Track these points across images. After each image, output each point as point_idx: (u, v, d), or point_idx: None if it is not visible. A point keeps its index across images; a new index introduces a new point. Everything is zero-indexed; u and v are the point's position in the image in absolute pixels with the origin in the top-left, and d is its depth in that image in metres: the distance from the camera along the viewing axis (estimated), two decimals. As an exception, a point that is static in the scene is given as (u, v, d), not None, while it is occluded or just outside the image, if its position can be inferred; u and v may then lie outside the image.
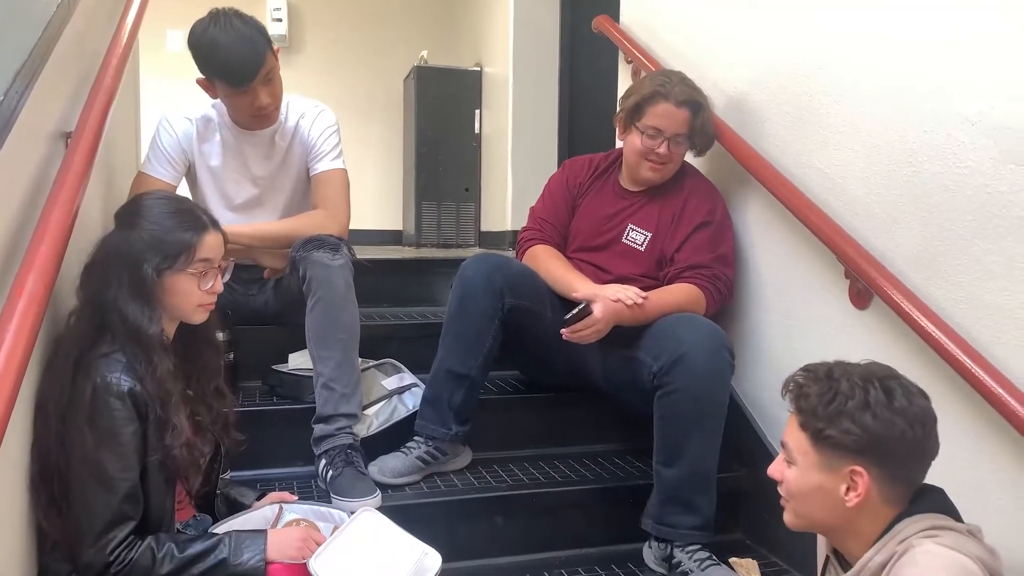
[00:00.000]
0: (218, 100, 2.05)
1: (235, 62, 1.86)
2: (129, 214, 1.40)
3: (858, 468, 1.06)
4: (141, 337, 1.30)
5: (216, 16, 1.89)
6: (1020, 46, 1.33)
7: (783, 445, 1.15)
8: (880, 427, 1.04)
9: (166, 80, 4.02)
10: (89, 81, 1.70)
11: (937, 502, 1.09)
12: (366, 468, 1.78)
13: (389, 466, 1.89)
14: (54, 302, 1.33)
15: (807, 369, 1.14)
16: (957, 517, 1.09)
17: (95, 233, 1.80)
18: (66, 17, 1.54)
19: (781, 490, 1.15)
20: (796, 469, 1.12)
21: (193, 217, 1.40)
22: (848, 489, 1.07)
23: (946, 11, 1.48)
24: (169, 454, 1.31)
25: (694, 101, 1.94)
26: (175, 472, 1.35)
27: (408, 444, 1.95)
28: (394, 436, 1.95)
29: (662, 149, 1.95)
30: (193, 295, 1.38)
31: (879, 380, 1.07)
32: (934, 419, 1.08)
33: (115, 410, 1.24)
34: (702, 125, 1.96)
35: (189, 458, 1.35)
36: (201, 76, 1.95)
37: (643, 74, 2.43)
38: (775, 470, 1.16)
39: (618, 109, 2.06)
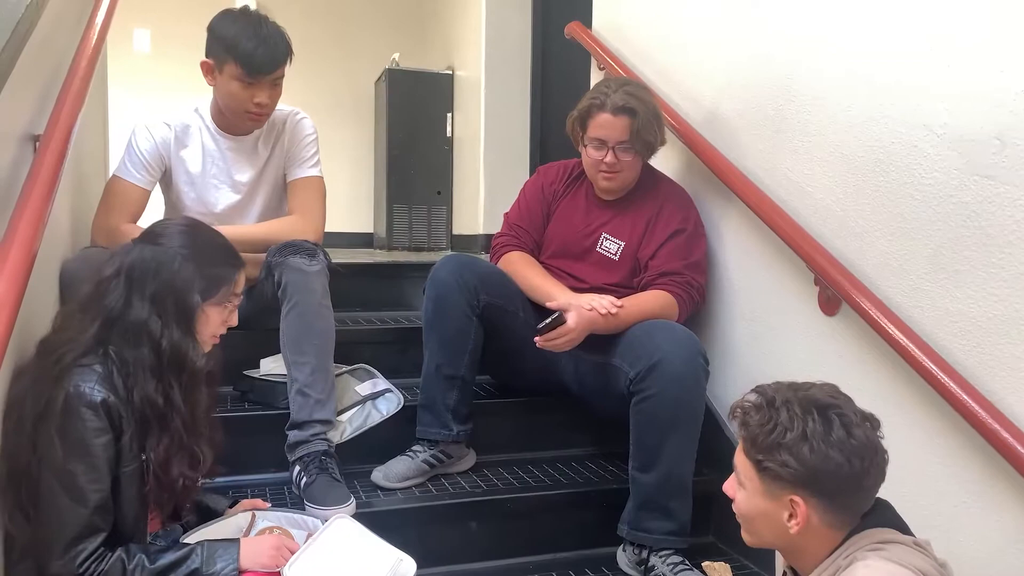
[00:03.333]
0: (200, 106, 2.04)
1: (261, 50, 1.89)
2: (160, 235, 1.37)
3: (796, 498, 1.08)
4: (186, 366, 1.31)
5: (249, 10, 1.97)
6: (983, 59, 1.37)
7: (734, 465, 1.17)
8: (817, 460, 1.05)
9: (132, 81, 3.98)
10: (58, 83, 1.67)
11: (885, 516, 1.11)
12: (340, 475, 1.77)
13: (394, 471, 1.91)
14: (25, 307, 1.30)
15: (757, 391, 1.14)
16: (905, 529, 1.11)
17: (64, 238, 1.78)
18: (35, 19, 1.51)
19: (734, 509, 1.17)
20: (744, 492, 1.14)
21: (233, 253, 1.43)
22: (790, 516, 1.09)
23: (913, 23, 1.52)
24: (182, 477, 1.32)
25: (629, 107, 1.92)
26: (161, 496, 1.34)
27: (413, 447, 1.96)
28: (368, 442, 1.94)
29: (608, 159, 1.96)
30: (215, 326, 1.40)
31: (820, 410, 1.07)
32: (874, 450, 1.07)
33: (87, 420, 1.22)
34: (639, 130, 1.93)
35: (180, 484, 1.35)
36: (207, 59, 1.94)
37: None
38: (729, 488, 1.19)
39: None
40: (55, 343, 1.30)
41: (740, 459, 1.14)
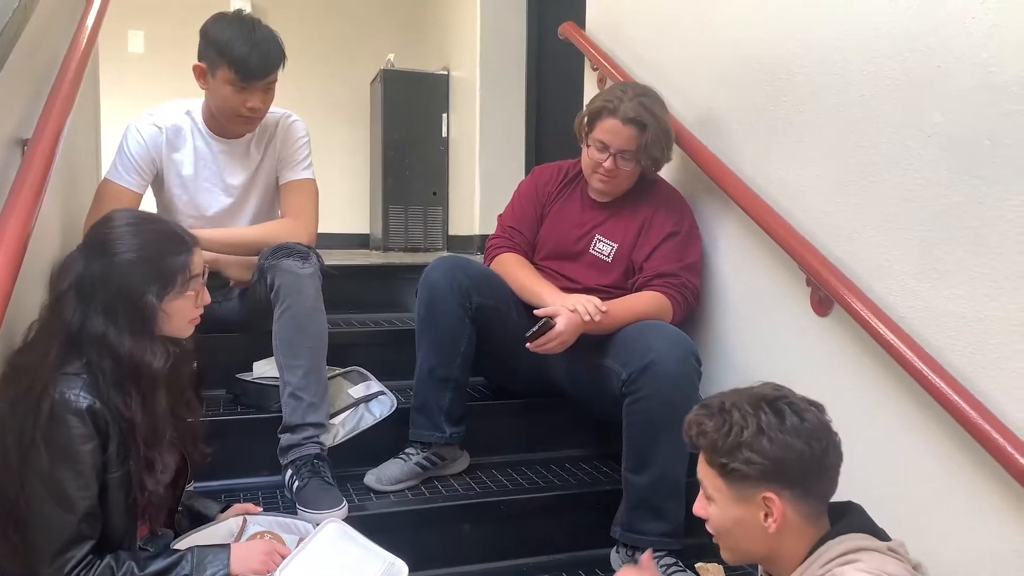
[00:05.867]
0: (192, 108, 2.04)
1: (255, 55, 1.88)
2: (104, 241, 1.32)
3: (769, 494, 1.08)
4: (143, 373, 1.28)
5: (243, 14, 1.96)
6: (973, 59, 1.37)
7: (700, 482, 1.17)
8: (778, 451, 1.07)
9: (127, 82, 3.97)
10: (47, 85, 1.66)
11: (857, 522, 1.11)
12: (333, 478, 1.76)
13: (387, 474, 1.91)
14: (9, 315, 1.30)
15: (703, 406, 1.16)
16: (878, 532, 1.11)
17: (54, 243, 1.77)
18: (24, 20, 1.51)
19: (709, 528, 1.16)
20: (715, 506, 1.14)
21: (179, 238, 1.38)
22: (766, 515, 1.09)
23: (903, 23, 1.51)
24: (144, 491, 1.29)
25: (640, 120, 1.91)
26: (146, 508, 1.33)
27: (406, 450, 1.96)
28: (361, 445, 1.94)
29: (608, 163, 1.96)
30: (187, 313, 1.37)
31: (768, 403, 1.10)
32: (828, 430, 1.10)
33: (72, 427, 1.21)
34: (647, 145, 1.93)
35: (163, 493, 1.34)
36: (199, 63, 1.94)
37: (608, 81, 2.45)
38: (699, 509, 1.18)
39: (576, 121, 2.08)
40: (23, 363, 1.28)
41: (704, 472, 1.15)
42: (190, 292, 1.36)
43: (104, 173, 2.03)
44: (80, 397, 1.22)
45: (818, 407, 1.12)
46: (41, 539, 1.21)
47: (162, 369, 1.31)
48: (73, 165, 2.09)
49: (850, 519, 1.12)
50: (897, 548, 1.08)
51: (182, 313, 1.37)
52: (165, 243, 1.35)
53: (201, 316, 2.06)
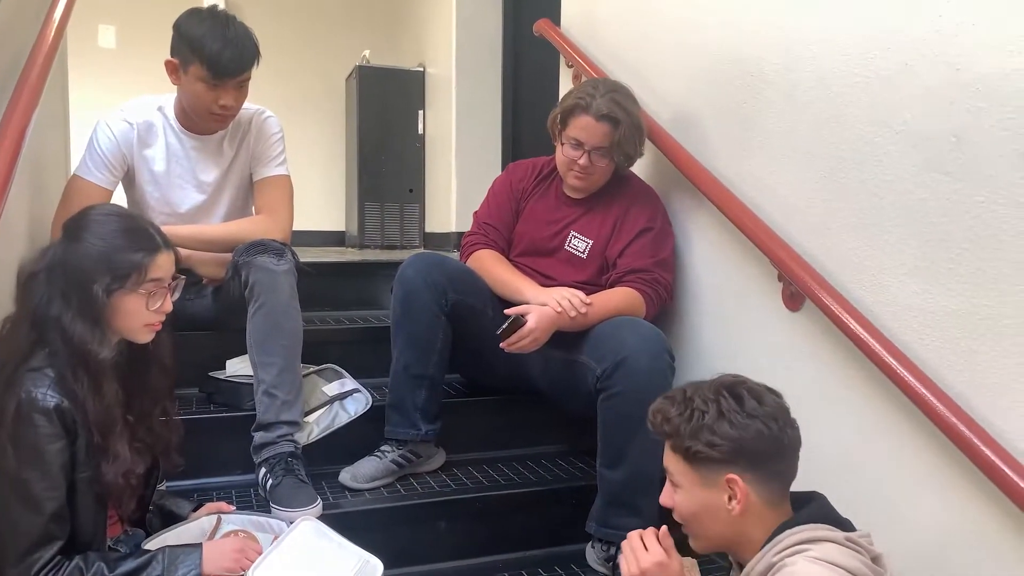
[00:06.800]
0: (164, 104, 2.02)
1: (227, 54, 1.86)
2: (77, 228, 1.33)
3: (732, 476, 1.12)
4: (89, 360, 1.26)
5: (217, 10, 1.93)
6: (940, 57, 1.39)
7: (666, 471, 1.20)
8: (738, 433, 1.11)
9: (97, 77, 3.91)
10: (12, 79, 1.63)
11: (818, 511, 1.14)
12: (307, 476, 1.75)
13: (362, 472, 1.90)
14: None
15: (666, 397, 1.20)
16: (840, 521, 1.14)
17: (21, 238, 1.74)
18: (-14, 15, 1.48)
19: (676, 517, 1.19)
20: (682, 491, 1.17)
21: (146, 236, 1.35)
22: (730, 498, 1.13)
23: (873, 22, 1.53)
24: (103, 480, 1.27)
25: (613, 116, 1.93)
26: (108, 498, 1.31)
27: (381, 448, 1.95)
28: (336, 443, 1.93)
29: (583, 160, 1.97)
30: (140, 315, 1.34)
31: (728, 389, 1.15)
32: (785, 412, 1.16)
33: (39, 427, 1.20)
34: (619, 141, 1.95)
35: (124, 484, 1.31)
36: (172, 59, 1.91)
37: (583, 78, 2.46)
38: (666, 499, 1.21)
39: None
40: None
41: (670, 459, 1.18)
42: (140, 291, 1.32)
43: (73, 169, 2.00)
44: (47, 396, 1.21)
45: (776, 393, 1.17)
46: (8, 540, 1.20)
47: (107, 360, 1.28)
48: (41, 161, 2.05)
49: (811, 508, 1.14)
50: (857, 539, 1.10)
51: (133, 314, 1.33)
52: (126, 238, 1.33)
53: (174, 315, 2.04)
